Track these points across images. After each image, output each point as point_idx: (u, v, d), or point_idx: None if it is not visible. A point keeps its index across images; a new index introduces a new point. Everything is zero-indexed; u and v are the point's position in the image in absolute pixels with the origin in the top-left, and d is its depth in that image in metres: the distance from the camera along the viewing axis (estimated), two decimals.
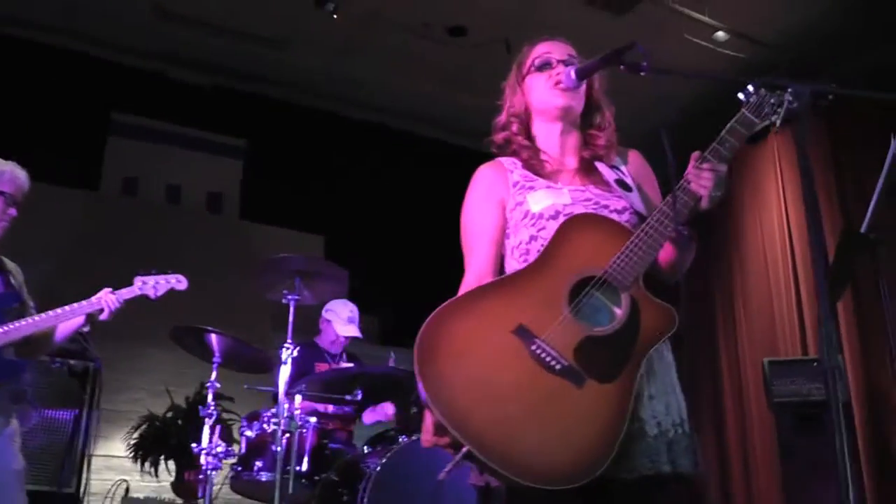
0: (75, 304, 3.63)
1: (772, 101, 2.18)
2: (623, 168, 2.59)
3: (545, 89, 2.59)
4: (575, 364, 2.10)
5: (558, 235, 2.29)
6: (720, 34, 7.26)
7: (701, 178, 2.20)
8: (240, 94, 7.98)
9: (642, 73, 2.27)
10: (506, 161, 2.61)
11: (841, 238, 3.41)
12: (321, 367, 5.48)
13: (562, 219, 2.34)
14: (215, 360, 4.71)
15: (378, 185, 8.41)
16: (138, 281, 3.91)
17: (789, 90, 2.11)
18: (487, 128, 2.67)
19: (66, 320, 3.62)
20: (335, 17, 6.33)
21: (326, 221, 8.26)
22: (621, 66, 2.31)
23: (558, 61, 2.60)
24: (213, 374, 4.69)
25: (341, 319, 5.61)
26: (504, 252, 2.53)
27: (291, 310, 4.67)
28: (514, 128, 2.64)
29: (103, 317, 3.68)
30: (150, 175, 8.16)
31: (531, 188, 2.50)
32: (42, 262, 6.30)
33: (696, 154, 2.25)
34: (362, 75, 7.81)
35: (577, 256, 2.24)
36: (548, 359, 2.09)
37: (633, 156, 2.66)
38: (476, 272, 2.47)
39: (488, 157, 2.65)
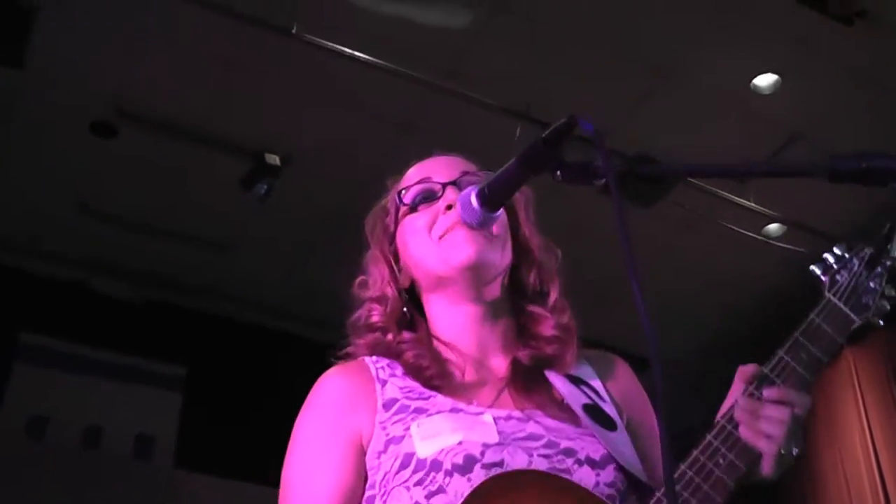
0: None
1: (876, 273, 1.36)
2: (597, 385, 1.60)
3: (432, 241, 1.59)
4: None
5: None
6: (773, 227, 6.30)
7: (760, 420, 1.30)
8: (178, 309, 7.04)
9: (596, 183, 1.25)
10: (374, 363, 1.64)
11: None
12: None
13: (479, 475, 1.35)
14: None
15: None
16: None
17: None
18: None
19: None
20: (265, 201, 5.48)
21: None
22: (557, 174, 1.29)
23: (446, 184, 1.61)
24: None
25: None
26: None
27: None
28: (381, 319, 1.67)
29: None
30: (63, 413, 6.97)
31: (420, 411, 1.50)
32: None
33: (746, 370, 1.35)
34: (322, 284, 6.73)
35: None
36: None
37: (621, 368, 1.68)
38: None
39: None
